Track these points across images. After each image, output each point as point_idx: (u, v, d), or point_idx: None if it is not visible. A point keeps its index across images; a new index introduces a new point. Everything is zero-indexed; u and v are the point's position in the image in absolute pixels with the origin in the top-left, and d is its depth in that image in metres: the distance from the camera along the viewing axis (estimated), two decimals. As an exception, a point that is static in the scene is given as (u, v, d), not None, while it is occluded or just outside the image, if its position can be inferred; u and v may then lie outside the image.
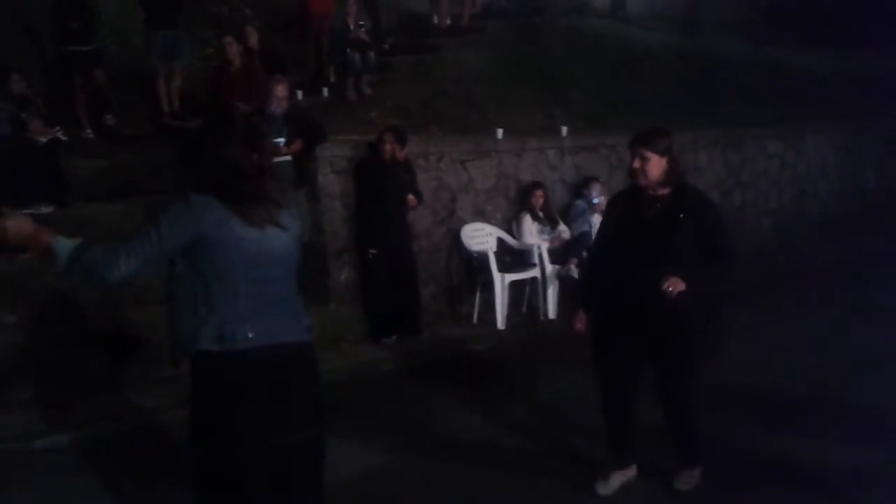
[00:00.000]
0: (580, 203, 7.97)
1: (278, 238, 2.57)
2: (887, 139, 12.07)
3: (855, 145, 11.60)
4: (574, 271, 7.34)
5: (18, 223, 2.52)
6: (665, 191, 3.68)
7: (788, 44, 13.90)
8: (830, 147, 11.22)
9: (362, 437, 4.63)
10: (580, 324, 3.88)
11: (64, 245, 2.46)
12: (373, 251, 6.54)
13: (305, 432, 2.60)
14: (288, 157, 6.36)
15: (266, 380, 2.51)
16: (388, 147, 6.49)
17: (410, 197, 6.58)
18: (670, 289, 3.44)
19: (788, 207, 10.64)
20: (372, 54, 8.66)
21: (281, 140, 6.34)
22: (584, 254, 7.50)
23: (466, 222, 7.42)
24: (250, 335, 2.47)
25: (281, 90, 6.55)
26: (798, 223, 10.63)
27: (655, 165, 3.62)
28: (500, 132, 7.81)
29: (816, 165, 11.05)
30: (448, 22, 10.66)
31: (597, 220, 7.78)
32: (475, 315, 7.31)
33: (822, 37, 14.75)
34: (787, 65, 12.91)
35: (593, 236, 7.55)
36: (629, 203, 3.81)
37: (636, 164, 3.64)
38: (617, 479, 3.88)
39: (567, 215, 7.98)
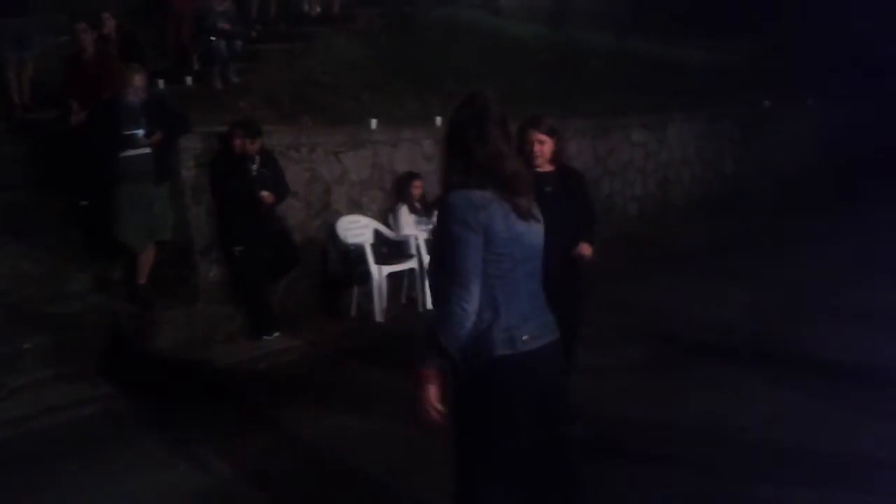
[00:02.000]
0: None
1: (539, 230, 2.56)
2: (743, 126, 12.81)
3: (713, 133, 12.23)
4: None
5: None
6: (551, 168, 4.13)
7: (652, 35, 14.48)
8: (691, 135, 11.78)
9: (236, 438, 4.47)
10: None
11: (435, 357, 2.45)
12: (238, 248, 6.27)
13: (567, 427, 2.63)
14: (147, 150, 6.02)
15: (547, 376, 2.53)
16: (237, 141, 6.24)
17: (264, 193, 6.29)
18: (582, 253, 4.03)
19: (653, 193, 11.09)
20: (238, 42, 8.32)
21: (139, 132, 6.00)
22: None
23: (342, 214, 7.27)
24: (532, 337, 2.46)
25: (138, 79, 6.18)
26: (663, 208, 11.10)
27: (549, 146, 4.05)
28: (374, 122, 7.69)
29: (678, 153, 11.57)
30: (318, 10, 10.41)
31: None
32: (353, 308, 7.18)
33: (685, 28, 15.48)
34: (651, 56, 13.44)
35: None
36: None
37: (535, 147, 4.00)
38: None
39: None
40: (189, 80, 8.39)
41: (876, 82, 14.91)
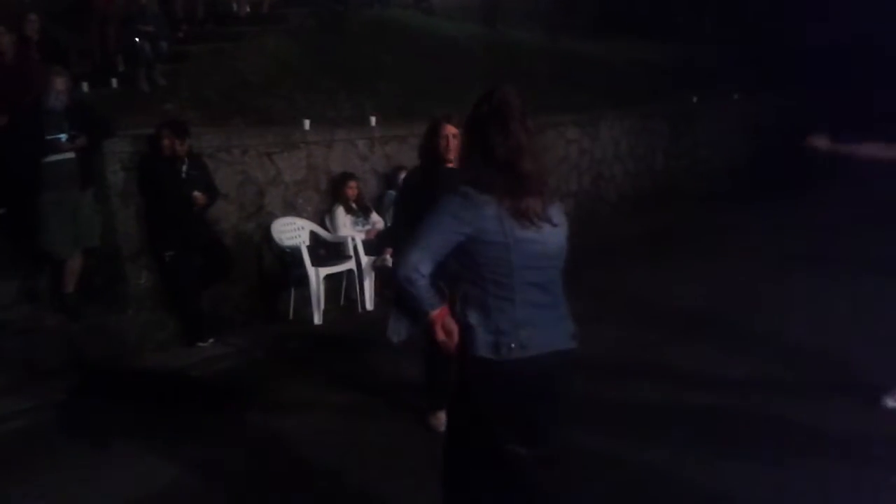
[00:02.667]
0: (391, 192, 7.97)
1: (553, 236, 2.48)
2: (672, 123, 13.11)
3: (644, 129, 12.48)
4: (390, 261, 7.31)
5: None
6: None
7: (583, 34, 14.70)
8: (622, 132, 12.00)
9: (167, 449, 4.36)
10: None
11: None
12: (169, 253, 6.13)
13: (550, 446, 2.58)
14: (71, 155, 5.85)
15: (534, 389, 2.48)
16: (166, 142, 6.11)
17: (196, 194, 6.17)
18: None
19: (588, 190, 11.26)
20: (163, 43, 8.13)
21: (62, 136, 5.81)
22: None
23: (277, 216, 7.18)
24: (525, 346, 2.42)
25: (60, 83, 5.98)
26: (597, 204, 11.29)
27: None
28: (307, 123, 7.61)
29: (610, 150, 11.78)
30: (248, 9, 10.26)
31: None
32: (291, 311, 7.09)
33: (615, 27, 15.77)
34: (582, 54, 13.64)
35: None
36: (440, 175, 3.95)
37: (449, 141, 3.95)
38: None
39: (381, 205, 7.96)
40: (114, 82, 8.17)
41: (802, 74, 15.42)
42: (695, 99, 13.74)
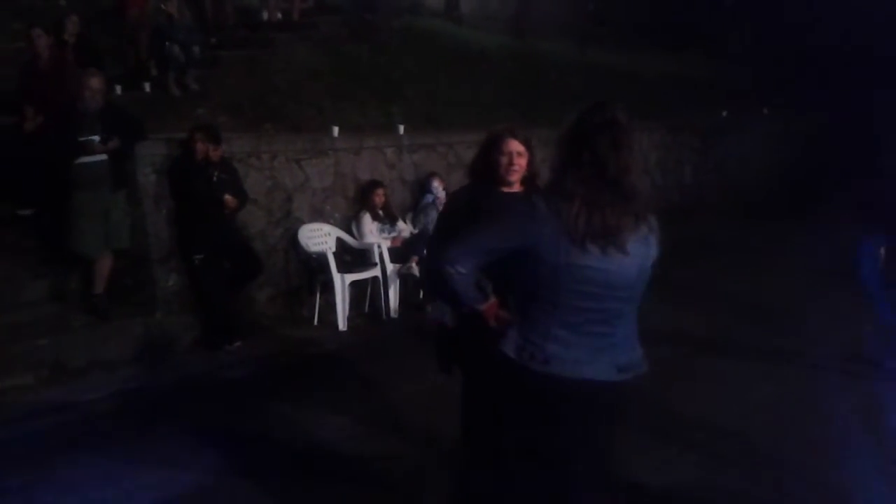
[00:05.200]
0: (427, 197, 8.01)
1: (623, 266, 2.34)
2: (701, 137, 13.01)
3: (673, 143, 12.40)
4: (415, 269, 7.32)
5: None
6: (520, 189, 3.36)
7: (613, 47, 14.65)
8: (651, 145, 11.93)
9: (192, 452, 4.37)
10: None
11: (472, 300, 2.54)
12: (198, 256, 6.16)
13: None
14: (103, 157, 5.90)
15: (549, 415, 2.40)
16: (199, 146, 6.15)
17: (227, 197, 6.20)
18: None
19: (615, 202, 11.18)
20: (196, 48, 8.20)
21: (95, 138, 5.87)
22: (425, 252, 7.52)
23: (304, 222, 7.21)
24: (548, 361, 2.35)
25: (94, 84, 6.05)
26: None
27: (525, 161, 3.32)
28: (335, 130, 7.64)
29: (639, 162, 11.69)
30: (279, 16, 10.34)
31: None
32: (316, 317, 7.10)
33: (645, 40, 15.71)
34: (612, 66, 13.59)
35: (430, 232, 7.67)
36: (491, 199, 3.30)
37: (515, 159, 3.27)
38: None
39: (415, 211, 8.00)
40: (147, 86, 8.26)
41: (831, 92, 15.26)
42: (724, 113, 13.64)
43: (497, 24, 13.88)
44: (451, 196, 3.60)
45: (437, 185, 7.99)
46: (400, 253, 7.44)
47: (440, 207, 7.85)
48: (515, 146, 3.28)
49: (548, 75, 12.21)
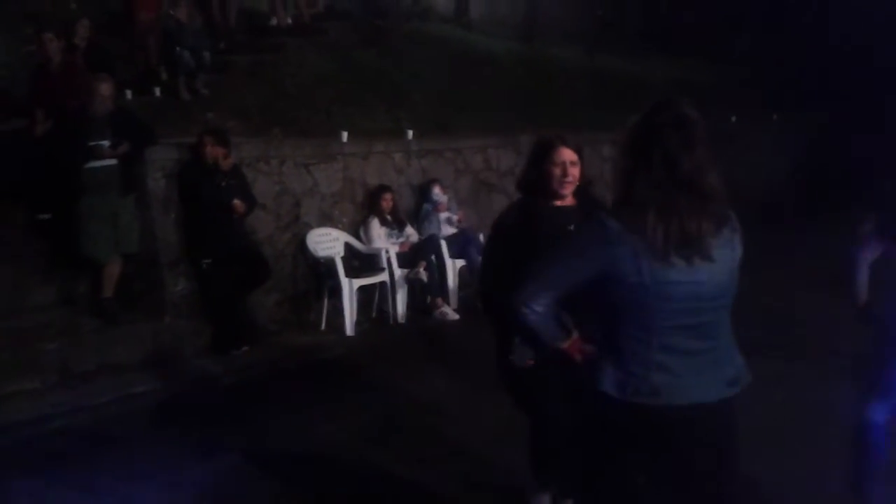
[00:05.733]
0: (427, 205, 8.00)
1: (710, 274, 2.13)
2: (712, 142, 12.95)
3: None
4: (423, 274, 7.32)
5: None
6: (572, 201, 3.15)
7: (622, 53, 14.63)
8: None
9: (203, 455, 4.37)
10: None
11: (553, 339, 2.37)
12: (206, 261, 6.17)
13: None
14: (113, 161, 5.93)
15: (666, 445, 2.18)
16: (208, 150, 6.16)
17: (236, 202, 6.21)
18: None
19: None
20: (206, 53, 8.24)
21: (105, 142, 5.90)
22: (433, 257, 7.53)
23: (312, 227, 7.21)
24: (657, 392, 2.13)
25: (104, 89, 6.10)
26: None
27: (578, 170, 3.11)
28: (344, 135, 7.65)
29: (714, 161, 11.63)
30: (288, 21, 10.36)
31: (443, 218, 7.93)
32: (323, 322, 7.10)
33: (654, 46, 15.69)
34: (620, 72, 13.57)
35: (440, 237, 7.68)
36: (543, 216, 3.10)
37: (569, 169, 3.04)
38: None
39: (417, 218, 7.99)
40: (157, 91, 8.29)
41: (841, 99, 15.19)
42: (733, 118, 13.59)
43: (506, 29, 13.87)
44: (500, 217, 3.24)
45: (437, 192, 7.98)
46: (408, 258, 7.44)
47: (441, 213, 7.88)
48: (568, 155, 3.05)
49: (556, 80, 12.19)
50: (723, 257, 2.16)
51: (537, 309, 2.19)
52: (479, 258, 7.59)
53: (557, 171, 3.03)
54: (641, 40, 16.01)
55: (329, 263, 7.04)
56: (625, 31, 16.03)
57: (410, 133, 8.37)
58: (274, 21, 10.38)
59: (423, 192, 8.18)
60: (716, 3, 17.22)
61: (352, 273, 7.09)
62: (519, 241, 2.93)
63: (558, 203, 3.08)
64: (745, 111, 13.82)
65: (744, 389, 2.24)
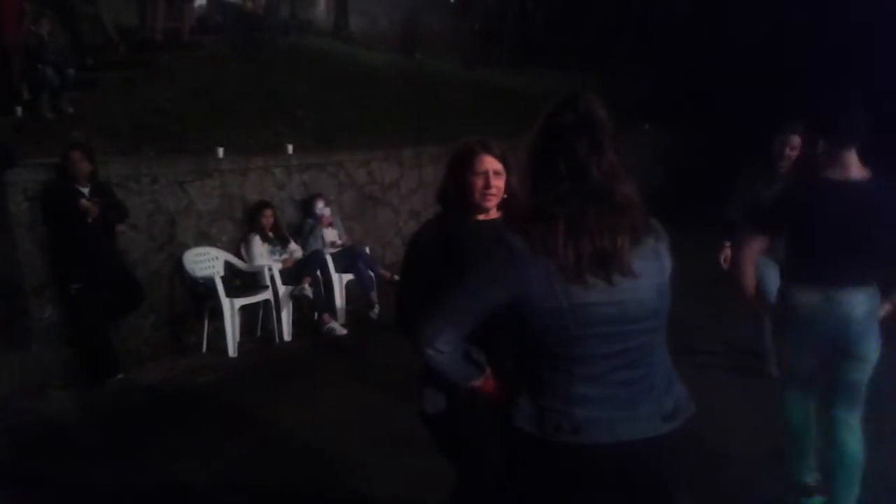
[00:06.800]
0: (310, 220, 7.96)
1: (636, 291, 1.89)
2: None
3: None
4: (308, 290, 7.26)
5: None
6: (497, 214, 2.79)
7: (500, 66, 15.02)
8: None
9: (68, 492, 4.18)
10: None
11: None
12: (75, 286, 5.90)
13: None
14: (-31, 185, 5.58)
15: (592, 490, 1.94)
16: (76, 166, 5.89)
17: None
18: None
19: (507, 216, 11.42)
20: (70, 70, 7.89)
21: (-42, 166, 5.55)
22: (318, 273, 7.48)
23: (189, 247, 7.02)
24: (579, 429, 1.88)
25: (-43, 110, 5.74)
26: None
27: (503, 183, 2.75)
28: (220, 151, 7.50)
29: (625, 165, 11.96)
30: (159, 37, 10.06)
31: (327, 233, 7.90)
32: (204, 344, 6.92)
33: (531, 61, 16.19)
34: (498, 85, 13.93)
35: (325, 252, 7.65)
36: (463, 233, 2.72)
37: (492, 181, 2.70)
38: None
39: (301, 234, 7.92)
40: (19, 110, 7.87)
41: (711, 108, 16.11)
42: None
43: (386, 42, 13.99)
44: (416, 234, 2.84)
45: (321, 206, 7.99)
46: (292, 274, 7.37)
47: (325, 226, 7.87)
48: (491, 164, 2.69)
49: (436, 92, 12.38)
50: (647, 271, 1.91)
51: (442, 349, 1.96)
52: (368, 272, 7.77)
53: (479, 182, 2.68)
54: (520, 55, 16.49)
55: (208, 283, 6.87)
56: (502, 45, 16.45)
57: (290, 147, 8.30)
58: (147, 35, 10.07)
59: (305, 207, 8.13)
60: (591, 18, 17.98)
61: (233, 292, 6.95)
62: (436, 262, 2.62)
63: (481, 217, 2.74)
64: (618, 122, 14.41)
65: (686, 423, 1.99)
